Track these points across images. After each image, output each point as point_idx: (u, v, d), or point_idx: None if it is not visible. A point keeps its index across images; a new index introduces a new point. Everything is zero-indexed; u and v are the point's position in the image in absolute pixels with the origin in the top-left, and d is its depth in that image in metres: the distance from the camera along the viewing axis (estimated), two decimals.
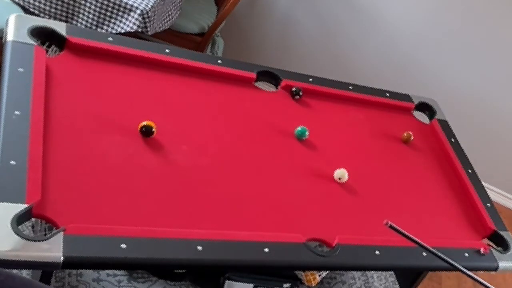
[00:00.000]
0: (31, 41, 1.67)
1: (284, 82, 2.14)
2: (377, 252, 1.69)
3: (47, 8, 2.26)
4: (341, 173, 1.90)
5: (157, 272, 2.08)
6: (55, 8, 2.27)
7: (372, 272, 2.55)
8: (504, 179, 3.41)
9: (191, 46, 2.81)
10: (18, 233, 1.23)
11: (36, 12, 2.27)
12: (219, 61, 2.04)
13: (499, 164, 3.34)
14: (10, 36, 1.65)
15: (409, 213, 1.96)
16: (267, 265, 1.53)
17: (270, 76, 2.15)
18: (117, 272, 2.03)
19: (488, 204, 2.14)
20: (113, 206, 1.44)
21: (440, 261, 1.79)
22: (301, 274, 2.24)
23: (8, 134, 1.40)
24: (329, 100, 2.24)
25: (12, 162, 1.35)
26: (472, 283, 2.85)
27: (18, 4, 2.26)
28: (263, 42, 3.42)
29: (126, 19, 2.25)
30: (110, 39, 1.86)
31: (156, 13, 2.33)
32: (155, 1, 2.28)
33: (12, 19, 1.70)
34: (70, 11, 2.28)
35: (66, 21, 2.31)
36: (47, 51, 1.71)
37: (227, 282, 2.03)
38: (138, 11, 2.22)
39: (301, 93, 2.14)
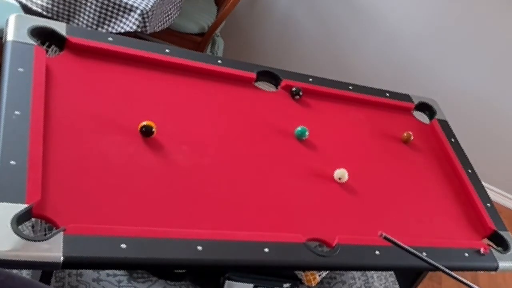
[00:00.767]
0: (31, 41, 1.67)
1: (284, 82, 2.14)
2: (377, 252, 1.69)
3: (49, 6, 2.26)
4: (341, 173, 1.90)
5: (157, 272, 2.08)
6: (57, 8, 2.27)
7: (372, 272, 2.55)
8: (504, 179, 3.41)
9: (191, 46, 2.80)
10: (18, 233, 1.23)
11: (39, 10, 2.27)
12: (219, 61, 2.04)
13: (499, 164, 3.34)
14: (10, 36, 1.65)
15: (409, 213, 1.96)
16: (267, 265, 1.53)
17: (270, 76, 2.15)
18: (117, 272, 2.03)
19: (488, 204, 2.14)
20: (113, 206, 1.44)
21: (440, 261, 1.79)
22: (301, 274, 2.24)
23: (8, 134, 1.40)
24: (329, 100, 2.24)
25: (12, 162, 1.35)
26: (472, 282, 2.85)
27: (20, 2, 2.26)
28: (263, 42, 3.42)
29: (126, 19, 2.25)
30: (110, 39, 1.86)
31: (156, 13, 2.33)
32: (155, 1, 2.28)
33: (12, 19, 1.70)
34: (72, 10, 2.29)
35: (68, 20, 2.31)
36: (47, 51, 1.71)
37: (227, 282, 2.03)
38: (138, 11, 2.22)
39: (301, 93, 2.14)
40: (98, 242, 1.32)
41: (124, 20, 2.26)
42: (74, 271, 1.96)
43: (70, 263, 1.26)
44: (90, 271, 1.98)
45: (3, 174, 1.32)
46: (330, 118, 2.16)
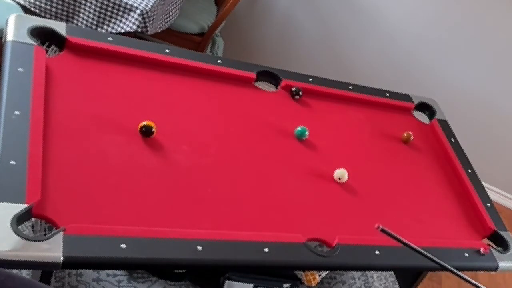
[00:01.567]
0: (31, 41, 1.67)
1: (284, 82, 2.14)
2: (377, 252, 1.69)
3: (48, 7, 2.26)
4: (341, 173, 1.90)
5: (157, 272, 2.08)
6: (56, 8, 2.27)
7: (372, 272, 2.55)
8: (504, 179, 3.41)
9: (191, 46, 2.81)
10: (18, 233, 1.23)
11: (37, 11, 2.27)
12: (219, 61, 2.04)
13: (499, 164, 3.34)
14: (10, 36, 1.65)
15: (409, 213, 1.96)
16: (267, 265, 1.53)
17: (270, 76, 2.15)
18: (117, 272, 2.03)
19: (488, 204, 2.14)
20: (113, 206, 1.44)
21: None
22: (301, 274, 2.24)
23: (8, 134, 1.40)
24: (329, 100, 2.24)
25: (12, 162, 1.35)
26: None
27: (18, 3, 2.26)
28: (263, 42, 3.42)
29: (126, 19, 2.25)
30: (110, 39, 1.85)
31: (156, 13, 2.33)
32: (155, 1, 2.28)
33: (12, 19, 1.70)
34: (71, 11, 2.28)
35: (67, 21, 2.31)
36: (47, 51, 1.71)
37: (227, 282, 2.03)
38: (138, 11, 2.22)
39: (301, 93, 2.14)
40: (98, 242, 1.32)
41: (124, 20, 2.26)
42: (74, 271, 1.96)
43: (70, 263, 1.26)
44: (90, 271, 1.98)
45: (3, 174, 1.32)
46: (330, 118, 2.16)
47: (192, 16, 2.83)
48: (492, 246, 1.97)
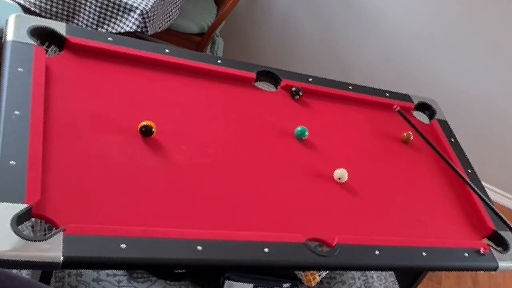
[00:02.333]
0: (30, 41, 1.67)
1: (284, 82, 2.14)
2: (377, 252, 1.69)
3: (48, 7, 2.26)
4: (341, 173, 1.90)
5: (157, 272, 2.08)
6: (56, 8, 2.27)
7: (372, 272, 2.55)
8: (504, 179, 3.41)
9: (191, 46, 2.81)
10: (18, 233, 1.23)
11: (37, 11, 2.27)
12: (219, 61, 2.04)
13: (499, 164, 3.34)
14: (10, 36, 1.65)
15: (409, 213, 1.96)
16: (267, 265, 1.52)
17: (270, 76, 2.15)
18: (117, 272, 2.03)
19: None
20: (113, 206, 1.44)
21: (440, 261, 1.79)
22: (301, 274, 2.24)
23: (8, 134, 1.40)
24: (329, 100, 2.24)
25: (12, 162, 1.35)
26: (472, 282, 2.86)
27: (18, 3, 2.26)
28: (263, 42, 3.42)
29: (126, 19, 2.25)
30: (110, 39, 1.85)
31: (156, 13, 2.33)
32: (155, 1, 2.28)
33: (12, 19, 1.70)
34: (71, 11, 2.28)
35: (67, 21, 2.31)
36: (46, 51, 1.71)
37: (227, 282, 2.03)
38: (138, 11, 2.23)
39: (301, 93, 2.14)
40: (98, 242, 1.32)
41: (124, 20, 2.26)
42: (74, 271, 1.96)
43: (70, 263, 1.26)
44: (90, 271, 1.98)
45: (3, 174, 1.32)
46: (330, 118, 2.16)
47: (192, 16, 2.83)
48: (492, 246, 1.97)
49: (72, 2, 2.25)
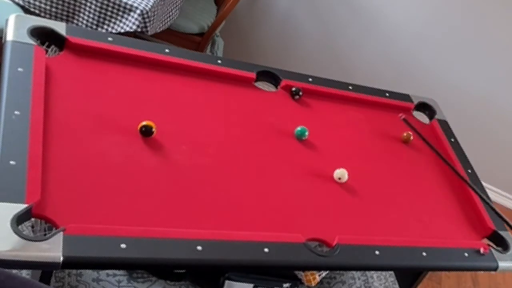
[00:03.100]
0: (30, 41, 1.67)
1: (284, 82, 2.14)
2: (377, 252, 1.69)
3: (48, 7, 2.26)
4: (341, 173, 1.90)
5: (157, 272, 2.08)
6: (56, 8, 2.27)
7: (372, 272, 2.55)
8: (504, 179, 3.41)
9: (191, 46, 2.81)
10: (18, 233, 1.23)
11: (37, 11, 2.27)
12: (219, 61, 2.04)
13: (499, 164, 3.34)
14: (10, 36, 1.65)
15: (408, 213, 1.96)
16: (267, 265, 1.52)
17: (270, 76, 2.15)
18: (117, 272, 2.03)
19: None
20: (113, 206, 1.44)
21: (439, 261, 1.79)
22: (301, 274, 2.24)
23: (8, 134, 1.40)
24: (329, 100, 2.24)
25: (12, 162, 1.35)
26: (472, 282, 2.86)
27: (18, 4, 2.26)
28: (263, 42, 3.42)
29: (126, 19, 2.25)
30: (110, 39, 1.86)
31: (156, 13, 2.33)
32: (155, 1, 2.28)
33: (12, 19, 1.70)
34: (71, 11, 2.28)
35: (67, 21, 2.31)
36: (46, 51, 1.71)
37: (227, 282, 2.03)
38: (138, 11, 2.23)
39: (301, 93, 2.14)
40: (98, 242, 1.32)
41: (124, 20, 2.26)
42: (73, 271, 1.96)
43: (70, 263, 1.26)
44: (90, 271, 1.98)
45: (3, 174, 1.32)
46: (330, 118, 2.16)
47: (192, 16, 2.83)
48: (492, 246, 1.97)
49: (72, 2, 2.25)
